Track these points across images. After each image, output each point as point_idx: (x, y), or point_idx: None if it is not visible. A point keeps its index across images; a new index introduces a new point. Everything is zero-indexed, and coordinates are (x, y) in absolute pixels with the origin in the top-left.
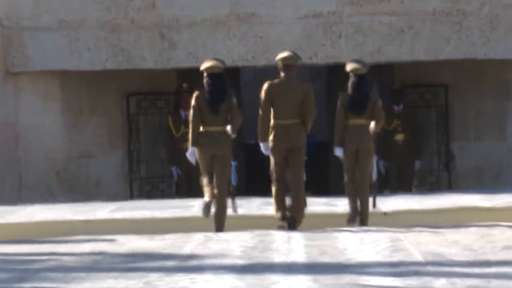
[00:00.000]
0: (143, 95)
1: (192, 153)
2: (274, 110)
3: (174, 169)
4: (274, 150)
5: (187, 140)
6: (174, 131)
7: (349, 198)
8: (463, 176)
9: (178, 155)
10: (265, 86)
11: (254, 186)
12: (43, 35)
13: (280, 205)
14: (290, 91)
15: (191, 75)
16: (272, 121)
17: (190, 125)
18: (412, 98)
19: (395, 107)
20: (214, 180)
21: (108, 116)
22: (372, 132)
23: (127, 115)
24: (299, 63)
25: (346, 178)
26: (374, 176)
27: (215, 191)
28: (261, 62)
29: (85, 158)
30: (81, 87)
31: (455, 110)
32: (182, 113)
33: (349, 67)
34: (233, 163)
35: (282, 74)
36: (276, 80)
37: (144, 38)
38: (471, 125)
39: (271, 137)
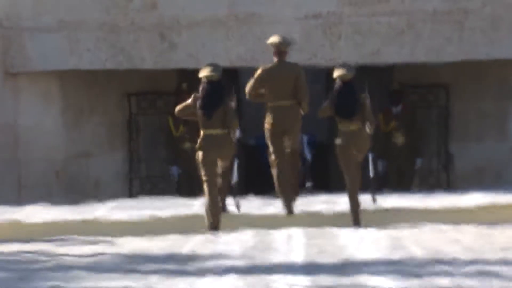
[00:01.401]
0: (143, 95)
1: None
2: (269, 93)
3: (174, 169)
4: (271, 131)
5: (186, 140)
6: (174, 131)
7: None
8: (463, 177)
9: (178, 155)
10: (259, 70)
11: (254, 186)
12: (43, 35)
13: (285, 194)
14: (283, 74)
15: (191, 76)
16: (268, 104)
17: (177, 108)
18: (412, 98)
19: (393, 108)
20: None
21: (108, 116)
22: (369, 135)
23: (128, 115)
24: (289, 48)
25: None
26: (371, 173)
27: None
28: (260, 62)
29: (85, 158)
30: (80, 87)
31: (455, 111)
32: None
33: (336, 73)
34: (236, 162)
35: (274, 58)
36: (269, 65)
37: (143, 38)
38: (472, 125)
39: (267, 120)
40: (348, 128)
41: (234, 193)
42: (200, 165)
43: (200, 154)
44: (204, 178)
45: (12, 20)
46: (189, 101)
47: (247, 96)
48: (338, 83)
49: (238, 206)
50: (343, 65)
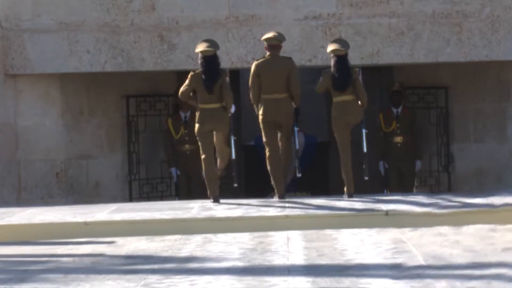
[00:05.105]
0: (143, 97)
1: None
2: (262, 86)
3: (173, 170)
4: (264, 122)
5: (186, 141)
6: (173, 133)
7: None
8: (463, 178)
9: (178, 157)
10: (252, 66)
11: (254, 187)
12: (43, 36)
13: (277, 178)
14: (276, 68)
15: None
16: (261, 97)
17: (180, 94)
18: (412, 99)
19: (394, 110)
20: (216, 152)
21: (108, 117)
22: (361, 108)
23: (127, 117)
24: (283, 43)
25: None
26: (365, 148)
27: (217, 162)
28: None
29: (85, 160)
30: (80, 88)
31: (455, 112)
32: (182, 114)
33: (329, 48)
34: (232, 138)
35: (267, 53)
36: (262, 59)
37: (143, 39)
38: (471, 126)
39: (260, 111)
40: (340, 99)
41: (232, 168)
42: (197, 138)
43: (196, 127)
44: (201, 150)
45: (12, 21)
46: (187, 81)
47: (250, 95)
48: (333, 58)
49: (236, 181)
50: (337, 41)
